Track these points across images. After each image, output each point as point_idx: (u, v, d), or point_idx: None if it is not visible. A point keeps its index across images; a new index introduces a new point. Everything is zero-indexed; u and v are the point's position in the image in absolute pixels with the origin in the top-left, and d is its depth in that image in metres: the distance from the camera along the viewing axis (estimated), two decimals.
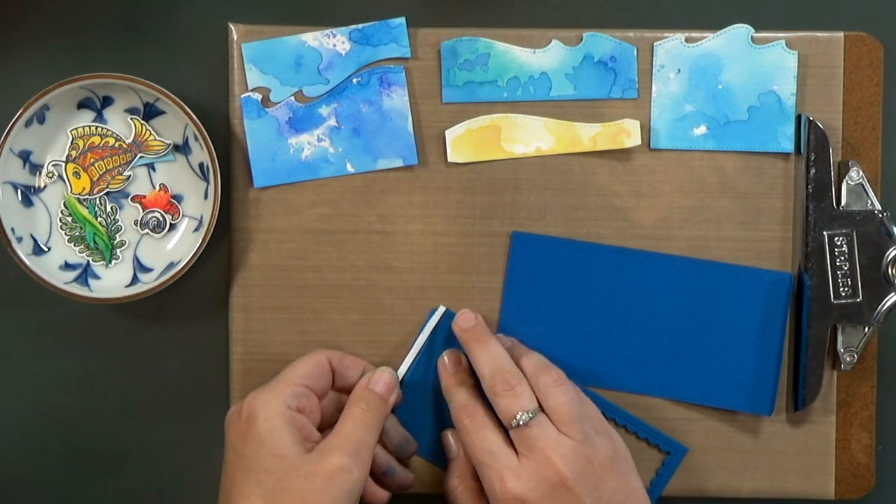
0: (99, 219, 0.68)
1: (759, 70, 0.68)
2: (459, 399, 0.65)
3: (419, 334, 0.68)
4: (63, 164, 0.68)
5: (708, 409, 0.69)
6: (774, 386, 0.68)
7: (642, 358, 0.69)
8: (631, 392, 0.69)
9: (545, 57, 0.68)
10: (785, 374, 0.69)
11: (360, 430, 0.62)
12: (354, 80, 0.68)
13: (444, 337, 0.68)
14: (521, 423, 0.62)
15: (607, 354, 0.69)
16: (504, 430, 0.63)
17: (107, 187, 0.68)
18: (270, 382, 0.64)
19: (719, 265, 0.68)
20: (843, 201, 0.68)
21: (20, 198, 0.67)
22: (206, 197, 0.68)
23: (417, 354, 0.68)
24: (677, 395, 0.69)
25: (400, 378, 0.68)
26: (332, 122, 0.68)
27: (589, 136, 0.68)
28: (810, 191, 0.67)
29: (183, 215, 0.69)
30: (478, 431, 0.63)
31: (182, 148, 0.68)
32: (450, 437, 0.68)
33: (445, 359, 0.67)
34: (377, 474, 0.66)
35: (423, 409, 0.69)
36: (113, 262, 0.68)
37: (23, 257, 0.66)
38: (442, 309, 0.69)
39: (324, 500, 0.59)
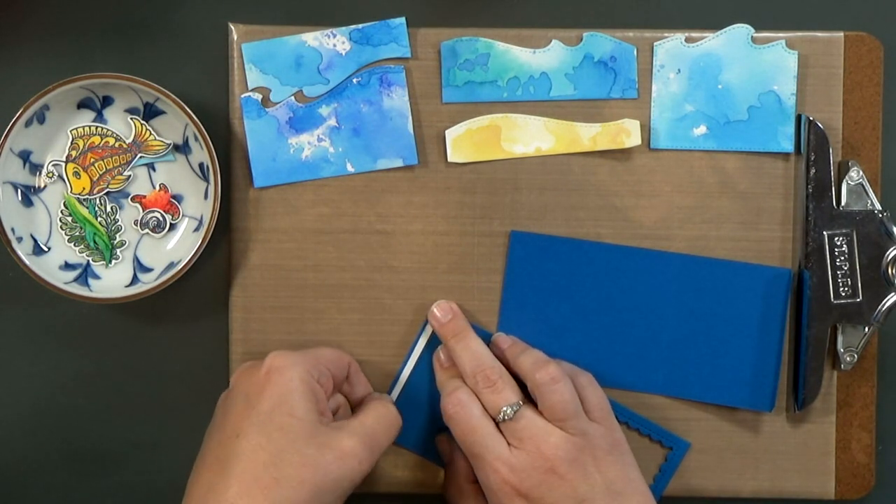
0: (99, 219, 0.68)
1: (759, 70, 0.68)
2: (450, 392, 0.65)
3: (420, 335, 0.68)
4: (63, 164, 0.68)
5: (708, 408, 0.69)
6: (775, 382, 0.68)
7: (642, 355, 0.69)
8: (631, 390, 0.69)
9: (545, 57, 0.68)
10: (785, 374, 0.69)
11: (380, 428, 0.62)
12: (354, 80, 0.68)
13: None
14: (506, 417, 0.62)
15: (607, 352, 0.69)
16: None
17: (107, 187, 0.68)
18: (293, 351, 0.63)
19: (718, 262, 0.69)
20: (843, 201, 0.68)
21: (20, 198, 0.67)
22: (206, 197, 0.68)
23: (420, 355, 0.68)
24: (678, 392, 0.69)
25: (405, 379, 0.68)
26: (333, 122, 0.68)
27: (589, 136, 0.69)
28: (810, 191, 0.67)
29: (183, 215, 0.69)
30: (468, 423, 0.63)
31: (182, 148, 0.68)
32: (444, 442, 0.68)
33: (440, 354, 0.68)
34: None
35: (423, 409, 0.69)
36: (113, 262, 0.68)
37: (23, 257, 0.66)
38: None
39: (327, 477, 0.59)
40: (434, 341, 0.68)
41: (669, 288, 0.68)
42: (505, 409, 0.62)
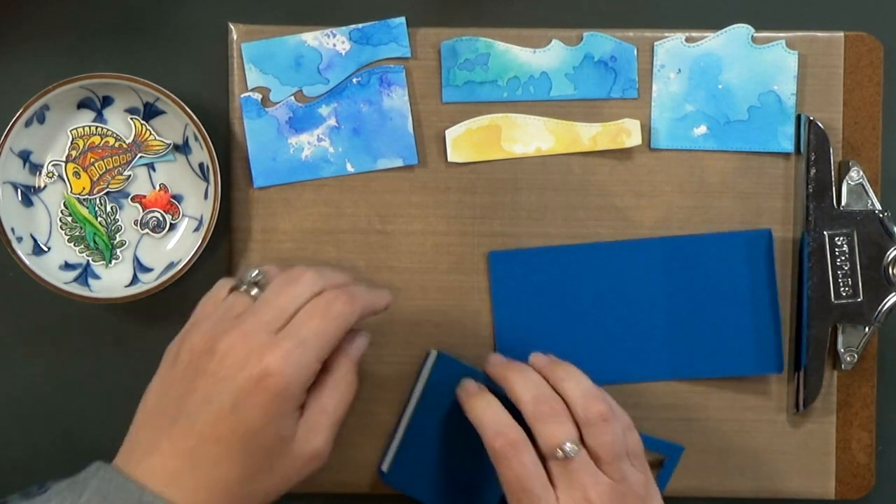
0: (99, 219, 0.68)
1: (759, 70, 0.68)
2: (500, 430, 0.60)
3: (416, 383, 0.67)
4: (63, 164, 0.68)
5: (709, 409, 0.69)
6: (777, 343, 0.68)
7: (643, 345, 0.68)
8: (639, 381, 0.69)
9: (545, 57, 0.68)
10: (786, 375, 0.69)
11: (342, 409, 0.59)
12: (354, 80, 0.68)
13: (440, 382, 0.67)
14: (566, 454, 0.59)
15: (608, 350, 0.69)
16: (541, 457, 0.60)
17: (107, 187, 0.68)
18: (305, 331, 0.57)
19: (696, 237, 0.68)
20: (844, 201, 0.68)
21: (20, 198, 0.67)
22: (206, 197, 0.68)
23: (417, 403, 0.67)
24: (685, 373, 0.68)
25: (404, 428, 0.67)
26: (332, 121, 0.68)
27: (589, 135, 0.69)
28: (810, 191, 0.67)
29: (183, 215, 0.69)
30: (521, 468, 0.59)
31: (182, 148, 0.68)
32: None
33: (466, 385, 0.64)
34: None
35: (427, 456, 0.67)
36: (113, 262, 0.68)
37: (23, 257, 0.66)
38: (434, 353, 0.67)
39: (293, 479, 0.58)
40: (429, 387, 0.67)
41: (655, 273, 0.68)
42: (567, 445, 0.59)
